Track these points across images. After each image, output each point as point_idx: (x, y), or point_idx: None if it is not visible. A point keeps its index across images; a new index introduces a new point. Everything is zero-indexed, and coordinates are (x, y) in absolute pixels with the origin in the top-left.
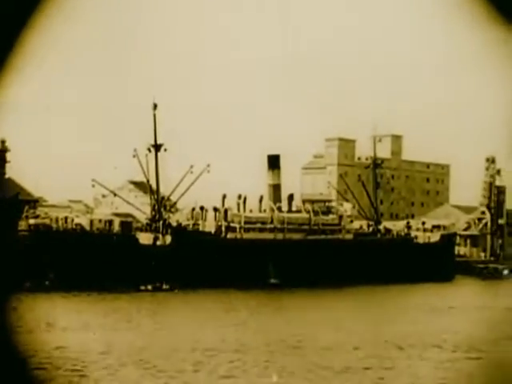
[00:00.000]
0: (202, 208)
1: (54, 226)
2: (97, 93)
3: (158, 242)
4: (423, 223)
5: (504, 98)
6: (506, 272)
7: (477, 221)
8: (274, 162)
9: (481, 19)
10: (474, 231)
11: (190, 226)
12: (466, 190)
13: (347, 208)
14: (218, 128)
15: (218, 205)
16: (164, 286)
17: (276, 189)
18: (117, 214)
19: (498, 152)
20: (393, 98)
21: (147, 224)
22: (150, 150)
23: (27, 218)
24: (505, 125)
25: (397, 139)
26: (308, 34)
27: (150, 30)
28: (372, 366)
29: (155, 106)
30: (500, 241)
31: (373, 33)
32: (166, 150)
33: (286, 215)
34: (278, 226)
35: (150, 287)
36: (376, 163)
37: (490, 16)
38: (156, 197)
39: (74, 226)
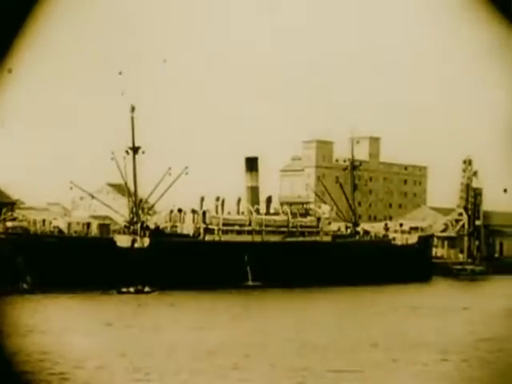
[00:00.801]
0: (179, 210)
1: (32, 228)
2: (74, 93)
3: (136, 245)
4: (401, 225)
5: (504, 100)
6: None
7: (454, 222)
8: (252, 165)
9: (481, 19)
10: (451, 233)
11: (168, 229)
12: (444, 191)
13: (325, 210)
14: (196, 130)
15: (196, 207)
16: (146, 289)
17: (254, 191)
18: (95, 217)
19: (476, 154)
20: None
21: (125, 226)
22: (127, 153)
23: (5, 220)
24: (505, 127)
25: (375, 141)
26: (290, 35)
27: (130, 28)
28: (341, 367)
29: (133, 109)
30: (477, 242)
31: (364, 33)
32: (143, 152)
33: (264, 217)
34: (256, 228)
35: (132, 290)
36: (354, 165)
37: (492, 16)
38: (134, 199)
39: (51, 229)
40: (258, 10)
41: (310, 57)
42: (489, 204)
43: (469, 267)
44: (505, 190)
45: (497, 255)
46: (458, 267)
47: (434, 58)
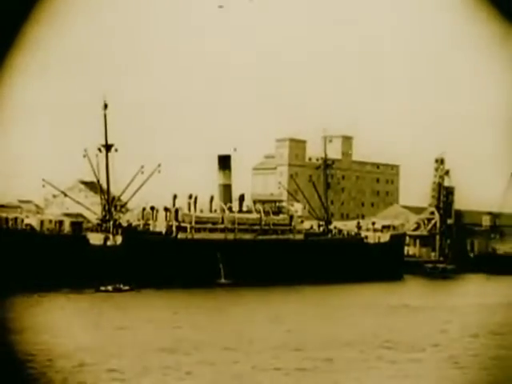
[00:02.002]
0: (152, 208)
1: (4, 226)
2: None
3: (109, 243)
4: (373, 223)
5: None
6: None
7: (426, 221)
8: (224, 163)
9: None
10: (423, 231)
11: (141, 226)
12: (416, 190)
13: (298, 208)
14: (169, 128)
15: (169, 205)
16: (124, 287)
17: (227, 189)
18: (67, 215)
19: (448, 153)
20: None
21: (98, 224)
22: (100, 150)
23: None
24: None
25: (347, 140)
26: (264, 34)
27: (102, 27)
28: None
29: (106, 106)
30: (449, 241)
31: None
32: (116, 150)
33: (236, 215)
34: (229, 226)
35: (110, 288)
36: (327, 164)
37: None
38: (106, 197)
39: (24, 227)
40: (232, 10)
41: (284, 55)
42: (461, 203)
43: (440, 266)
44: None
45: (473, 254)
46: (430, 266)
47: (405, 57)
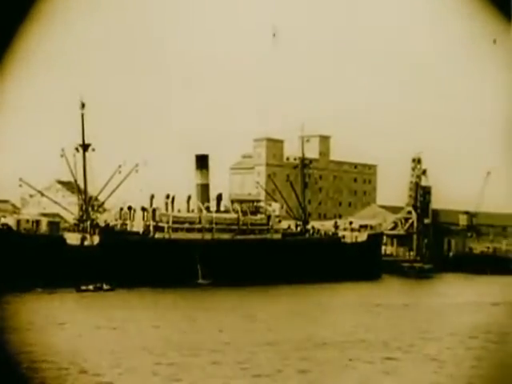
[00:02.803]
0: (129, 208)
1: None
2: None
3: (86, 242)
4: (351, 223)
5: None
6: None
7: (403, 220)
8: (202, 162)
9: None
10: (400, 231)
11: (118, 226)
12: (393, 190)
13: (275, 208)
14: (146, 127)
15: (146, 205)
16: (105, 287)
17: (204, 189)
18: (44, 214)
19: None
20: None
21: (75, 224)
22: (77, 150)
23: None
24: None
25: (325, 140)
26: (241, 31)
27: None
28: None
29: (83, 105)
30: (426, 240)
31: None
32: (94, 149)
33: (214, 215)
34: (207, 225)
35: (91, 287)
36: (304, 163)
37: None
38: (84, 197)
39: (0, 226)
40: (210, 10)
41: (261, 54)
42: (438, 202)
43: (417, 265)
44: None
45: (451, 253)
46: (407, 265)
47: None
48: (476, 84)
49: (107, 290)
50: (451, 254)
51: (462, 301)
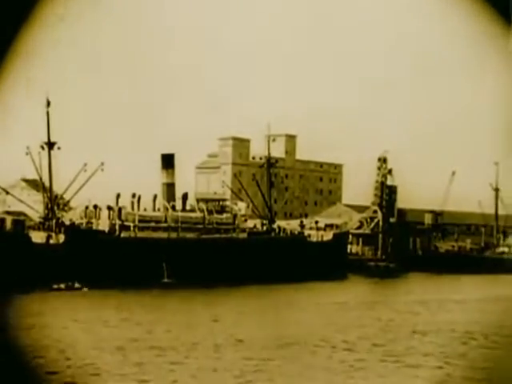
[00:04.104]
0: (95, 206)
1: None
2: None
3: (51, 241)
4: (316, 222)
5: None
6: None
7: (369, 220)
8: (168, 161)
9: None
10: (365, 230)
11: (84, 225)
12: (359, 189)
13: (241, 207)
14: (112, 126)
15: (112, 203)
16: (76, 285)
17: (170, 188)
18: (9, 213)
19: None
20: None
21: (40, 222)
22: (43, 148)
23: None
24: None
25: (291, 139)
26: (205, 30)
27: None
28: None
29: (48, 103)
30: (391, 239)
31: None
32: (59, 148)
33: (180, 214)
34: (172, 224)
35: (62, 286)
36: (270, 162)
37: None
38: (49, 195)
39: None
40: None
41: (226, 53)
42: (403, 201)
43: (382, 264)
44: None
45: (420, 252)
46: (372, 264)
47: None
48: (473, 84)
49: (78, 289)
50: (420, 252)
51: (425, 299)
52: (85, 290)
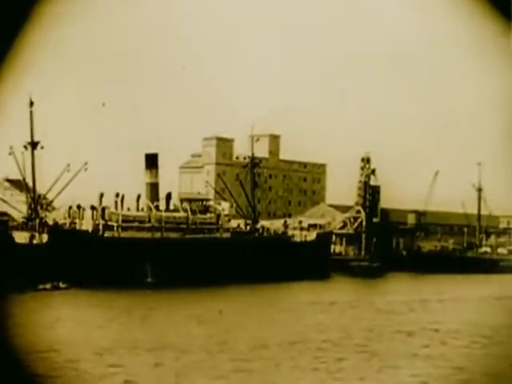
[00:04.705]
0: (79, 206)
1: None
2: None
3: (35, 241)
4: (300, 222)
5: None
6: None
7: (352, 220)
8: (151, 161)
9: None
10: (349, 230)
11: (67, 225)
12: (342, 189)
13: (225, 207)
14: (95, 126)
15: (96, 203)
16: (61, 285)
17: (154, 187)
18: None
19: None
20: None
21: (23, 223)
22: (26, 148)
23: None
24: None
25: (274, 139)
26: (193, 30)
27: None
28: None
29: (31, 103)
30: (374, 239)
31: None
32: (42, 147)
33: (163, 214)
34: (156, 224)
35: (48, 286)
36: (254, 162)
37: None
38: (32, 195)
39: None
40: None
41: (210, 52)
42: (386, 201)
43: (366, 264)
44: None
45: (404, 252)
46: (355, 264)
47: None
48: (467, 83)
49: (64, 289)
50: (404, 252)
51: (408, 299)
52: (70, 290)
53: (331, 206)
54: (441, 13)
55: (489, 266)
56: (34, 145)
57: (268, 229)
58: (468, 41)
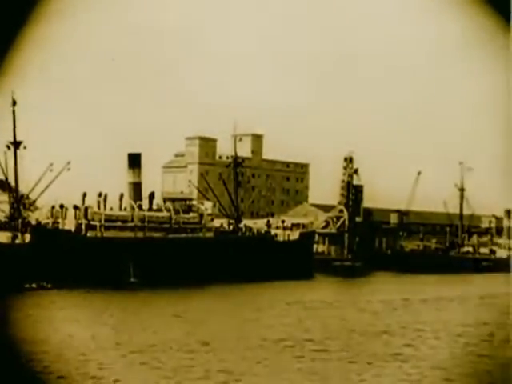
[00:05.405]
0: (61, 206)
1: None
2: None
3: (17, 241)
4: (283, 221)
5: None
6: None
7: (335, 219)
8: (134, 161)
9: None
10: (332, 229)
11: (50, 225)
12: (325, 188)
13: (208, 206)
14: (78, 125)
15: (79, 203)
16: (47, 285)
17: (136, 187)
18: None
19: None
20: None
21: (6, 222)
22: (8, 147)
23: None
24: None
25: (257, 138)
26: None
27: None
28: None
29: (14, 102)
30: (357, 239)
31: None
32: (25, 147)
33: (146, 213)
34: (139, 224)
35: (34, 285)
36: (237, 162)
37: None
38: (15, 195)
39: None
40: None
41: (193, 53)
42: (369, 201)
43: (348, 263)
44: None
45: (389, 252)
46: (338, 263)
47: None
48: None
49: (49, 289)
50: (389, 252)
51: (392, 298)
52: (54, 290)
53: (314, 205)
54: (439, 13)
55: (471, 266)
56: (16, 144)
57: (251, 228)
58: (467, 41)
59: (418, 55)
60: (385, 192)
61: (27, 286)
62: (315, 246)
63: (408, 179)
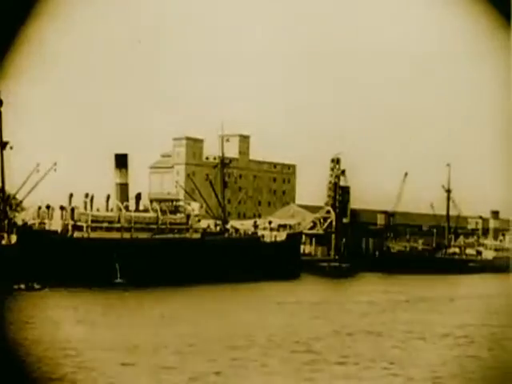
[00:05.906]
0: (48, 207)
1: None
2: None
3: (3, 242)
4: (270, 222)
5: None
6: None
7: (322, 220)
8: (121, 161)
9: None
10: (319, 230)
11: (36, 225)
12: (312, 189)
13: (195, 207)
14: (65, 126)
15: (65, 203)
16: (35, 286)
17: (123, 188)
18: None
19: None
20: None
21: None
22: None
23: None
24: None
25: (244, 139)
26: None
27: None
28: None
29: (1, 103)
30: (344, 239)
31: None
32: (11, 147)
33: (133, 214)
34: (125, 225)
35: (22, 286)
36: (224, 163)
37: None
38: (1, 195)
39: None
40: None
41: (180, 52)
42: (356, 202)
43: (335, 264)
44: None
45: (377, 253)
46: (325, 264)
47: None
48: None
49: (38, 289)
50: (377, 253)
51: (378, 299)
52: (46, 290)
53: (301, 206)
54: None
55: (457, 267)
56: (2, 145)
57: (238, 229)
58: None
59: (418, 55)
60: (372, 193)
61: (16, 287)
62: (302, 246)
63: (395, 180)
